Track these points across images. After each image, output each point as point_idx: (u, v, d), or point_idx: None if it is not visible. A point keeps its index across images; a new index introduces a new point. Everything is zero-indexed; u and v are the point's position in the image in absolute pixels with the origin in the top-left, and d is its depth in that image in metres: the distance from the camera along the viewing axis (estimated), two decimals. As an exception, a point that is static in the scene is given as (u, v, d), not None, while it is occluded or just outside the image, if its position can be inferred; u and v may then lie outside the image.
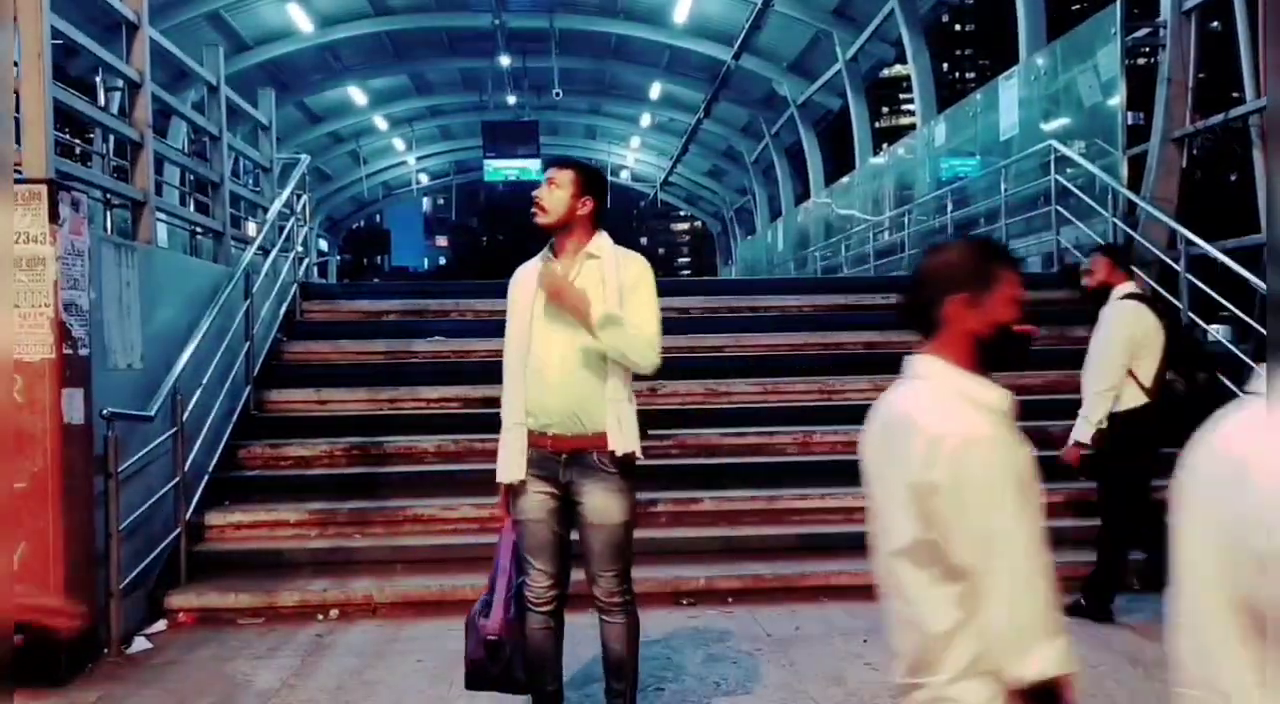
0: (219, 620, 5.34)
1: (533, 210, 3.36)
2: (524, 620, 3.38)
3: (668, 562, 5.80)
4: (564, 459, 3.29)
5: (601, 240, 3.40)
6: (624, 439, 3.27)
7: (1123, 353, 4.88)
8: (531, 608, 3.40)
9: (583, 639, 3.95)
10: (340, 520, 6.25)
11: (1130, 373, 4.88)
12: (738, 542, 6.15)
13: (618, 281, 3.31)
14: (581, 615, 3.68)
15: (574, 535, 3.45)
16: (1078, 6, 42.45)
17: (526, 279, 3.42)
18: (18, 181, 4.55)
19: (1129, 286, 5.08)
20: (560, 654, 3.51)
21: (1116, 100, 9.44)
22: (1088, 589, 5.09)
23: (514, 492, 3.38)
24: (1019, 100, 11.60)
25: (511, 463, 3.33)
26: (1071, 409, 7.56)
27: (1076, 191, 9.53)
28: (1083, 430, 5.00)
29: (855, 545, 6.07)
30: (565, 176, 3.35)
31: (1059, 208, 9.84)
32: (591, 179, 3.41)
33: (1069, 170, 9.84)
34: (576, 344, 3.26)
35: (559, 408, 3.26)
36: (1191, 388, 4.77)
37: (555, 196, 3.33)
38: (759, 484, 6.61)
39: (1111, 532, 5.11)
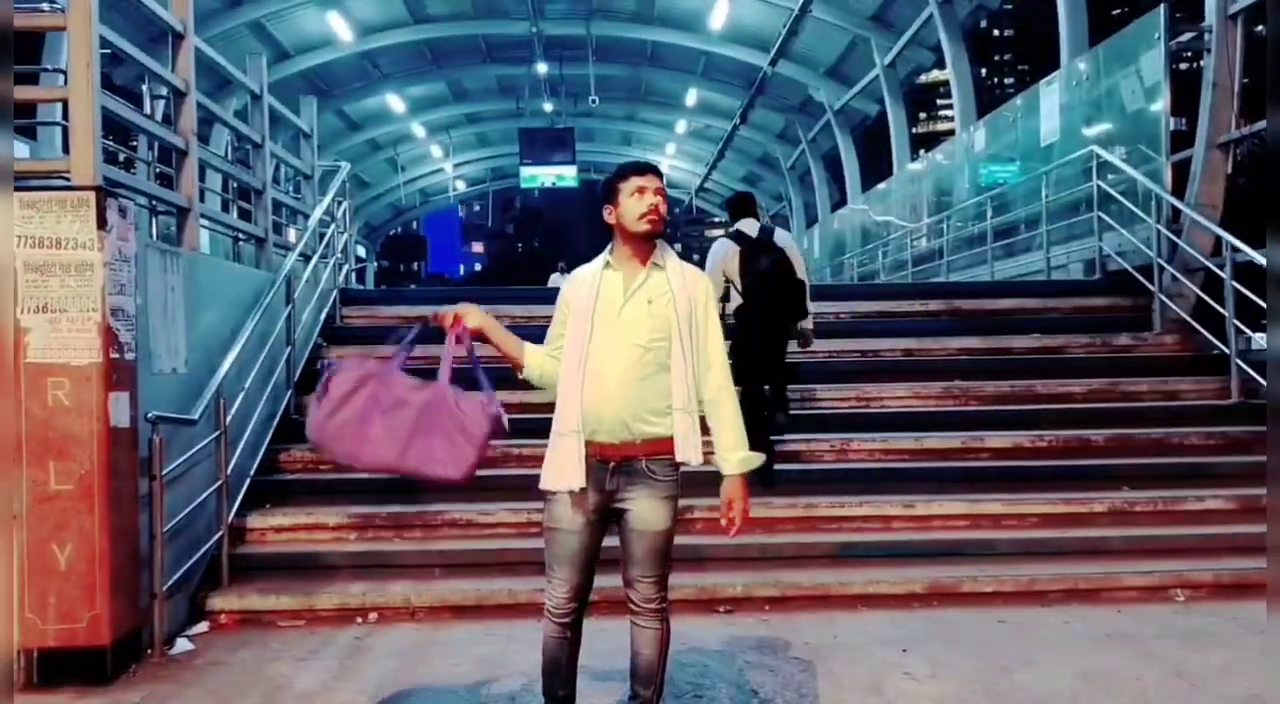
0: (260, 622, 5.39)
1: (654, 218, 3.29)
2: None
3: (705, 569, 5.78)
4: (612, 467, 3.27)
5: (668, 250, 3.39)
6: (689, 449, 3.28)
7: (714, 269, 6.49)
8: (549, 617, 3.39)
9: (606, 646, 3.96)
10: (379, 524, 6.29)
11: (732, 285, 6.50)
12: (774, 549, 6.11)
13: (688, 295, 3.31)
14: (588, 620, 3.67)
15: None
16: (1118, 11, 41.97)
17: (588, 283, 3.36)
18: (66, 188, 4.64)
19: (740, 224, 6.70)
20: (575, 663, 3.48)
21: (1160, 105, 9.32)
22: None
23: (551, 498, 3.34)
24: (1060, 105, 11.49)
25: (571, 469, 3.25)
26: (1116, 417, 7.50)
27: (1119, 197, 9.42)
28: None
29: (893, 554, 6.07)
30: (659, 184, 3.35)
31: (1101, 214, 9.72)
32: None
33: (1111, 176, 9.72)
34: (636, 353, 3.24)
35: (613, 416, 3.23)
36: (746, 290, 6.47)
37: (666, 208, 3.34)
38: (796, 492, 6.58)
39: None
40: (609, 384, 3.23)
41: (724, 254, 6.57)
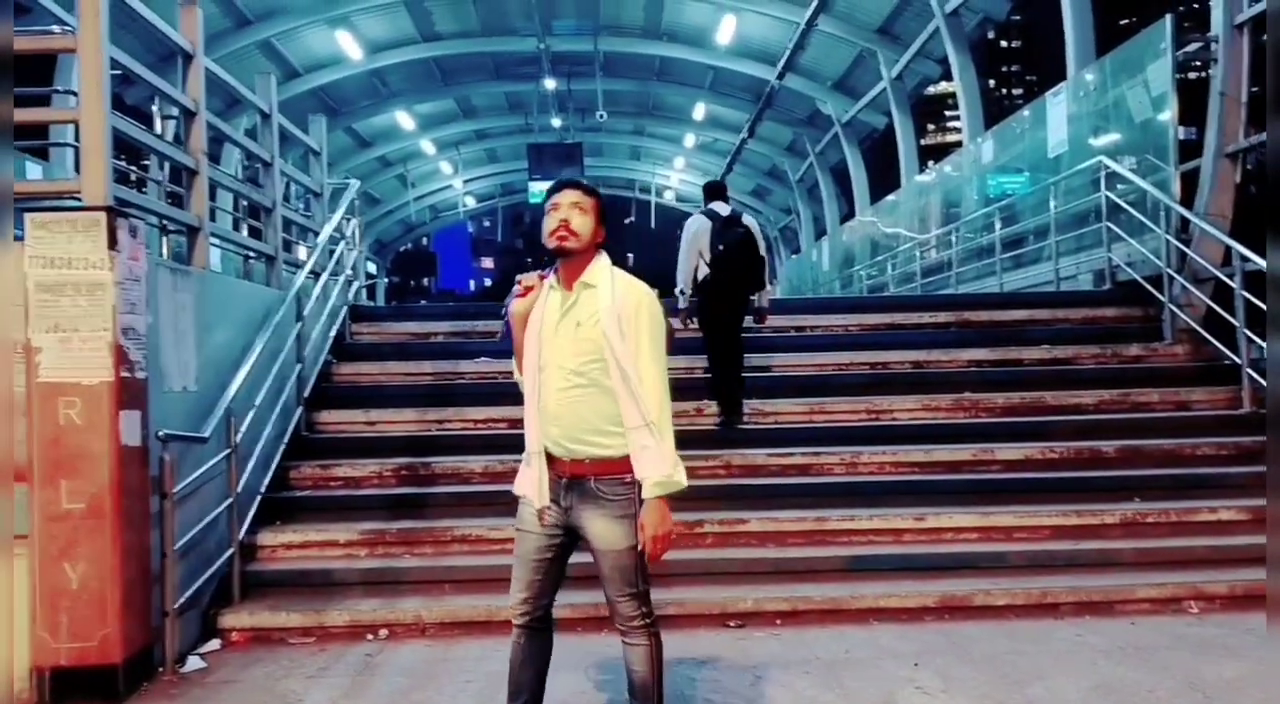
0: (271, 640, 5.40)
1: (561, 234, 3.24)
2: None
3: (715, 583, 5.77)
4: (565, 483, 3.29)
5: (598, 267, 3.32)
6: (644, 466, 3.21)
7: (688, 246, 7.47)
8: (512, 620, 3.44)
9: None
10: (389, 540, 6.30)
11: (702, 257, 7.36)
12: (785, 563, 6.10)
13: (617, 313, 3.23)
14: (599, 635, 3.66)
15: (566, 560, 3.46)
16: (1126, 22, 41.99)
17: (540, 301, 3.34)
18: (78, 209, 4.67)
19: (713, 205, 7.57)
20: (536, 675, 3.46)
21: (1168, 115, 9.31)
22: (721, 408, 7.58)
23: (520, 501, 3.41)
24: (1068, 116, 11.49)
25: (534, 488, 3.31)
26: (1127, 428, 7.47)
27: (1128, 208, 9.40)
28: (680, 300, 7.53)
29: (905, 567, 6.06)
30: (590, 203, 3.31)
31: (1110, 224, 9.71)
32: (605, 207, 3.40)
33: (1120, 186, 9.71)
34: (566, 376, 3.24)
35: (559, 435, 3.26)
36: (715, 260, 7.32)
37: (584, 222, 3.27)
38: (806, 505, 6.56)
39: (712, 362, 7.56)
40: (548, 405, 3.27)
41: (697, 228, 7.47)
